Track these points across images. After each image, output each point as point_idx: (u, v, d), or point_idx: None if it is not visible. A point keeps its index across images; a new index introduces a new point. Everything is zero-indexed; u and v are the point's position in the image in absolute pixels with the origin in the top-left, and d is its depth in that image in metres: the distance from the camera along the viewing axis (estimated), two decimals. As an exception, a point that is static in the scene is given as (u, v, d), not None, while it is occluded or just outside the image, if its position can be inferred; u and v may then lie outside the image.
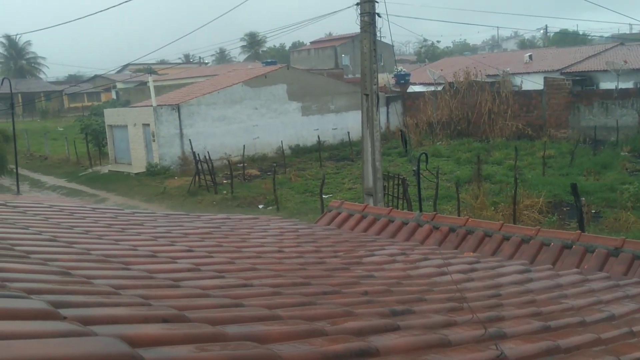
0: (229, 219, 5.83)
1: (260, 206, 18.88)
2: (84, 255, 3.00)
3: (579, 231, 5.69)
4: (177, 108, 26.13)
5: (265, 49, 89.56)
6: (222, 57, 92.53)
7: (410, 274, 3.90)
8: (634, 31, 65.05)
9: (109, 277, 2.50)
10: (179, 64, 77.98)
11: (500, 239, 5.18)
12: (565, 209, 15.39)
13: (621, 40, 45.18)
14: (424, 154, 11.92)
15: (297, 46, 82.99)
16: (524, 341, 2.13)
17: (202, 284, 2.66)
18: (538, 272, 4.12)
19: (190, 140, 25.42)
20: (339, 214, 6.43)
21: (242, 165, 25.03)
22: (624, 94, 26.17)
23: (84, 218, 4.63)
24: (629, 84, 29.17)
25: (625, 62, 30.11)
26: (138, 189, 23.19)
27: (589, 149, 23.82)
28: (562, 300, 3.16)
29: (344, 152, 28.51)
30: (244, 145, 26.87)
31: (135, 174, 25.81)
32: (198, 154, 22.92)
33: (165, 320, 1.87)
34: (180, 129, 26.06)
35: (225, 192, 21.00)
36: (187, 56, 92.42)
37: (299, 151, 29.25)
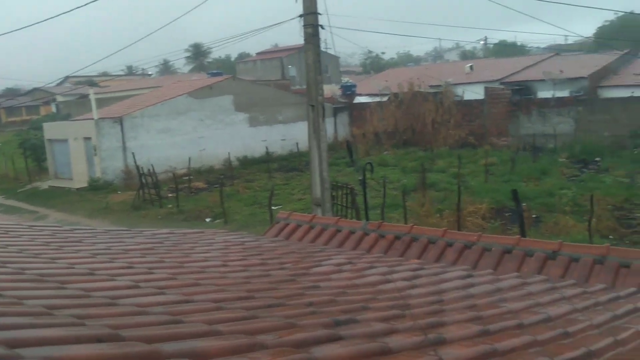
0: (173, 233, 5.72)
1: (208, 219, 18.63)
2: (18, 275, 2.88)
3: (519, 236, 5.85)
4: (120, 121, 25.57)
5: (210, 60, 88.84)
6: (166, 68, 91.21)
7: (356, 282, 3.91)
8: (568, 42, 67.87)
9: (42, 297, 2.40)
10: (122, 75, 76.39)
11: (443, 245, 5.27)
12: (507, 214, 15.83)
13: (557, 50, 47.06)
14: (369, 164, 12.05)
15: (243, 57, 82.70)
16: (462, 346, 2.16)
17: (140, 302, 2.59)
18: (479, 277, 4.21)
19: (133, 153, 24.90)
20: (287, 225, 6.41)
21: (188, 178, 24.68)
22: (560, 102, 27.22)
23: (20, 236, 4.45)
24: (564, 93, 30.37)
25: (561, 71, 31.35)
26: (80, 204, 22.51)
27: (529, 156, 24.62)
28: (502, 304, 3.24)
29: (293, 163, 28.52)
30: (189, 158, 26.51)
31: (77, 189, 25.07)
32: (142, 167, 22.47)
33: (99, 340, 1.81)
34: (123, 142, 25.50)
35: (170, 206, 20.63)
36: (130, 68, 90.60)
37: (246, 162, 29.07)
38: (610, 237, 13.36)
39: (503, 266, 4.81)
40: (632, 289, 4.08)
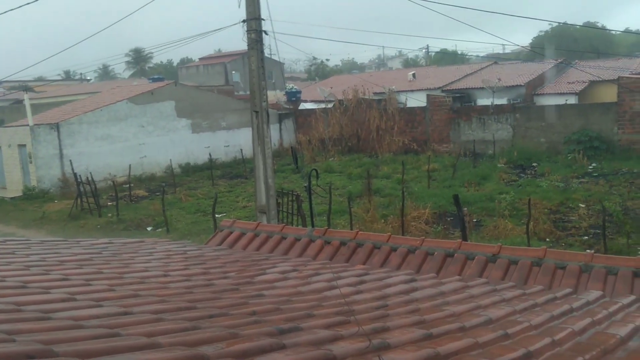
0: (112, 243, 5.54)
1: (149, 228, 18.19)
2: (-59, 290, 2.71)
3: (460, 240, 5.97)
4: (57, 127, 24.71)
5: (151, 65, 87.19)
6: (105, 73, 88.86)
7: (301, 290, 3.89)
8: (506, 51, 70.18)
9: (-33, 314, 2.26)
10: (59, 80, 73.97)
11: (388, 250, 5.31)
12: (449, 219, 16.16)
13: (495, 59, 48.55)
14: (314, 170, 12.06)
15: (185, 62, 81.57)
16: (406, 350, 2.17)
17: (76, 315, 2.48)
18: (423, 281, 4.26)
19: (71, 161, 24.11)
20: (231, 233, 6.32)
21: (128, 185, 24.06)
22: (499, 109, 28.09)
23: (-56, 249, 4.21)
24: (503, 100, 31.39)
25: (499, 79, 32.39)
26: (14, 214, 21.58)
27: (469, 161, 25.26)
28: (445, 307, 3.28)
29: (237, 170, 28.26)
30: (130, 165, 25.87)
31: (11, 198, 24.02)
32: (80, 176, 21.77)
33: (29, 356, 1.72)
34: (60, 149, 24.64)
35: (110, 214, 20.05)
36: (67, 72, 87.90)
37: (189, 170, 28.61)
38: (547, 239, 13.83)
39: (445, 270, 4.89)
40: (568, 290, 4.22)
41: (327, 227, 6.20)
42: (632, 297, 4.03)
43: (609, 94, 26.96)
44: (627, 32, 50.93)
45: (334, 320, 2.76)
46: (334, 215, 16.25)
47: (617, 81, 24.93)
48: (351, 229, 13.04)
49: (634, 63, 32.28)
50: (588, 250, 11.66)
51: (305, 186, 12.59)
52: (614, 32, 55.60)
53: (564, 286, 4.36)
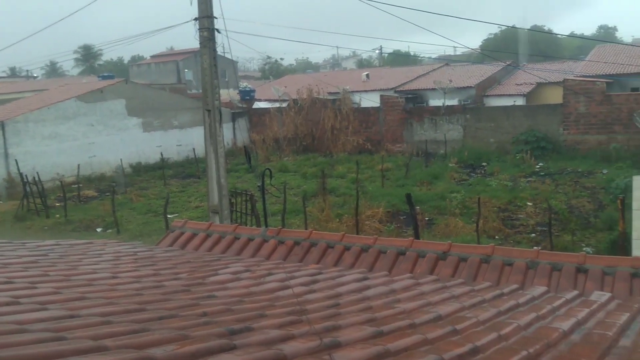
0: (59, 245, 5.39)
1: (99, 230, 17.76)
2: None
3: (412, 238, 6.07)
4: (1, 125, 23.83)
5: (101, 62, 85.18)
6: (53, 70, 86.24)
7: (253, 290, 3.87)
8: (457, 53, 71.57)
9: None
10: (4, 77, 71.42)
11: (341, 249, 5.35)
12: (402, 217, 16.37)
13: (446, 61, 49.42)
14: (267, 170, 12.03)
15: (136, 60, 79.97)
16: (357, 348, 2.19)
17: (20, 319, 2.41)
18: (375, 279, 4.31)
19: (16, 160, 23.28)
20: (183, 234, 6.24)
21: (77, 186, 23.42)
22: (450, 110, 28.63)
23: None
24: (454, 101, 32.00)
25: (451, 81, 33.00)
26: (-45, 216, 20.72)
27: (422, 161, 25.65)
28: (396, 304, 3.32)
29: (190, 169, 27.87)
30: (78, 165, 25.18)
31: (-48, 199, 23.04)
32: (26, 175, 21.07)
33: (-32, 364, 1.65)
34: (5, 149, 23.77)
35: (58, 216, 19.47)
36: (13, 69, 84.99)
37: (140, 169, 28.04)
38: (497, 237, 14.19)
39: (397, 268, 4.96)
40: (515, 286, 4.35)
41: (281, 227, 6.19)
42: (575, 292, 4.18)
43: (555, 96, 27.84)
44: (572, 36, 52.77)
45: (285, 320, 2.76)
46: (289, 215, 16.24)
47: (562, 83, 25.77)
48: (306, 229, 13.06)
49: (578, 66, 33.39)
50: (535, 248, 12.02)
51: (259, 186, 12.54)
52: (560, 36, 57.43)
53: (511, 282, 4.49)
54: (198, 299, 3.32)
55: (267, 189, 12.21)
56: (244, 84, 40.93)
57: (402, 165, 24.23)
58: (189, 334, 2.28)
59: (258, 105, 36.35)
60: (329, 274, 4.50)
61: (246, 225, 12.84)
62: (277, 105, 34.00)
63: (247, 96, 36.39)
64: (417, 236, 10.84)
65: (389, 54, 66.24)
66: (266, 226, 9.10)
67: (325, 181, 19.35)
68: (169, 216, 15.86)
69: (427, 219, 15.89)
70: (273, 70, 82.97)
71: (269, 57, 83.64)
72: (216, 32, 12.14)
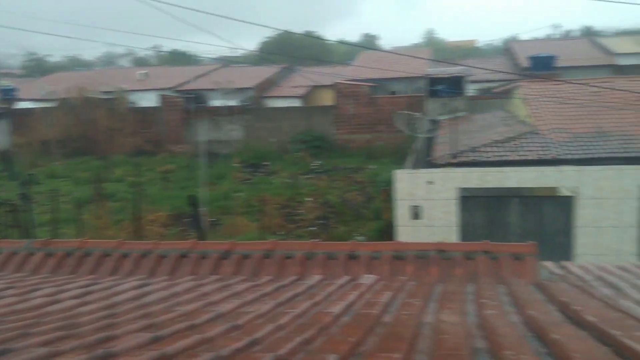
0: None
1: None
2: None
3: (195, 240, 6.02)
4: None
5: None
6: None
7: (17, 308, 3.50)
8: (236, 54, 72.57)
9: None
10: None
11: (119, 257, 5.10)
12: (186, 220, 16.14)
13: (226, 62, 49.86)
14: (31, 175, 10.93)
15: None
16: (132, 356, 2.10)
17: None
18: (155, 285, 4.18)
19: None
20: None
21: None
22: (231, 111, 28.97)
23: None
24: (234, 102, 32.40)
25: (230, 82, 33.34)
26: None
27: (206, 161, 25.52)
28: (176, 308, 3.26)
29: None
30: None
31: None
32: None
33: None
34: None
35: None
36: None
37: None
38: (281, 233, 14.76)
39: (180, 271, 4.88)
40: (294, 277, 4.56)
41: (49, 238, 5.68)
42: (347, 278, 4.53)
43: (328, 98, 29.85)
44: (341, 42, 56.94)
45: (53, 337, 2.54)
46: (61, 224, 14.96)
47: (334, 87, 27.72)
48: (81, 238, 12.16)
49: (347, 70, 36.16)
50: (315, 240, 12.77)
51: (22, 194, 11.34)
52: (330, 42, 61.56)
53: (291, 274, 4.70)
54: (-56, 325, 2.88)
55: (34, 197, 11.09)
56: (3, 82, 36.64)
57: (185, 167, 23.87)
58: None
59: (22, 105, 32.82)
60: (104, 284, 4.25)
61: (9, 238, 11.52)
62: (44, 105, 31.06)
63: (8, 95, 32.68)
64: (201, 238, 10.79)
65: (168, 53, 64.69)
66: (34, 237, 8.27)
67: (102, 186, 18.23)
68: None
69: (212, 219, 15.89)
70: (38, 68, 75.59)
71: (32, 53, 76.00)
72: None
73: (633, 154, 12.60)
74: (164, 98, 29.96)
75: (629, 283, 4.79)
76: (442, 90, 21.89)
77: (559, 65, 27.77)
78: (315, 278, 4.45)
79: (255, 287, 4.04)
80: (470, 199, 12.71)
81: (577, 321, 2.99)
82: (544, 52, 29.63)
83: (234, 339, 2.38)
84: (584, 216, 12.39)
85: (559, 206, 12.56)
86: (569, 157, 12.74)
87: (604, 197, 12.25)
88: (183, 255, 5.06)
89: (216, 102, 32.57)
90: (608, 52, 32.88)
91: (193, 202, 11.38)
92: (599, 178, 12.26)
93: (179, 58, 61.76)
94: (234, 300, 3.43)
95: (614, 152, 12.77)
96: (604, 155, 12.70)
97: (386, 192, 13.24)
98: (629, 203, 12.18)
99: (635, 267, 5.78)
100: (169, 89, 34.99)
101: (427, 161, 13.76)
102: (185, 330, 2.60)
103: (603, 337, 2.59)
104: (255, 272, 4.78)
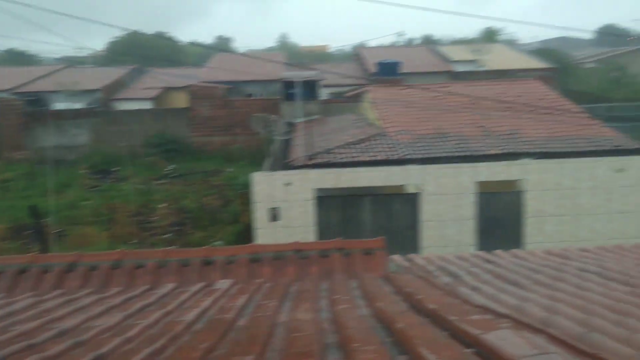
0: None
1: None
2: None
3: (36, 253, 5.58)
4: None
5: None
6: None
7: None
8: (82, 54, 68.27)
9: None
10: None
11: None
12: (28, 232, 14.90)
13: (71, 62, 46.76)
14: None
15: None
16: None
17: None
18: (-11, 305, 3.82)
19: None
20: None
21: None
22: (77, 114, 27.22)
23: None
24: (80, 105, 30.47)
25: (76, 83, 31.31)
26: None
27: (49, 168, 23.75)
28: (13, 327, 3.01)
29: None
30: None
31: None
32: None
33: None
34: None
35: None
36: None
37: None
38: (133, 242, 14.14)
39: (19, 287, 4.52)
40: (146, 287, 4.41)
41: None
42: (202, 284, 4.47)
43: (182, 100, 29.15)
44: (193, 43, 55.85)
45: None
46: None
47: (187, 89, 27.13)
48: None
49: (200, 72, 35.54)
50: (171, 248, 12.41)
51: None
52: (183, 43, 60.11)
53: (143, 284, 4.53)
54: None
55: None
56: None
57: (26, 174, 22.01)
58: None
59: None
60: None
61: None
62: None
63: None
64: (45, 251, 10.03)
65: (4, 51, 59.28)
66: None
67: None
68: None
69: (57, 231, 14.82)
70: None
71: None
72: None
73: (468, 153, 13.77)
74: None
75: (465, 271, 5.25)
76: (296, 93, 22.36)
77: (404, 71, 29.58)
78: (169, 286, 4.34)
79: (103, 300, 3.85)
80: (326, 199, 13.12)
81: (420, 309, 3.21)
82: (389, 58, 31.39)
83: (78, 355, 2.26)
84: (428, 211, 13.32)
85: (406, 203, 13.40)
86: (414, 156, 13.62)
87: (444, 193, 13.27)
88: (22, 271, 4.68)
89: (60, 105, 30.43)
90: (445, 59, 35.66)
91: (35, 212, 10.54)
92: (440, 176, 13.25)
93: (16, 57, 56.83)
94: (79, 315, 3.24)
95: (452, 152, 13.88)
96: (443, 154, 13.74)
97: (244, 195, 13.23)
98: (466, 198, 13.31)
99: (472, 256, 6.35)
100: (4, 90, 32.10)
101: (284, 163, 13.97)
102: (24, 351, 2.41)
103: (442, 323, 2.81)
104: (104, 284, 4.55)
